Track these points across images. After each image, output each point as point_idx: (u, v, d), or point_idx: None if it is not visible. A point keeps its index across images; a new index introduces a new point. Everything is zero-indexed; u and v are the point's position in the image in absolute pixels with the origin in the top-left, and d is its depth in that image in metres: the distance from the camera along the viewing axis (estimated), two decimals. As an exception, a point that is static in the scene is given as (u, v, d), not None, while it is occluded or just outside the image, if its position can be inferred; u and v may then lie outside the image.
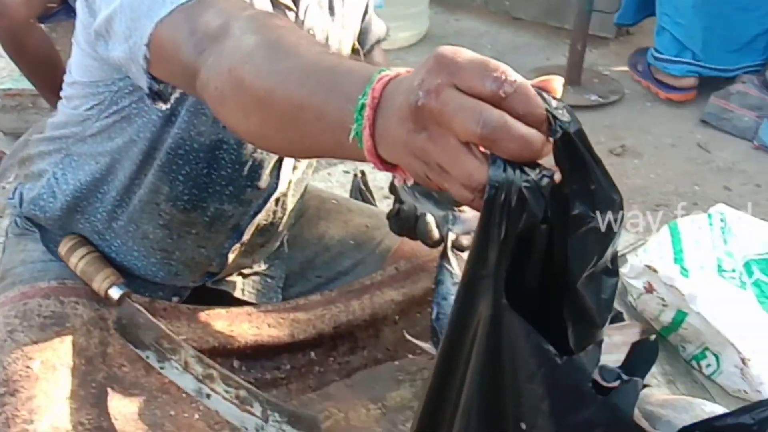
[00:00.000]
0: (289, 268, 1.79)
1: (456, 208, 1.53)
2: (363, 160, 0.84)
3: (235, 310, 1.63)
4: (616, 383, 0.83)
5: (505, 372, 0.83)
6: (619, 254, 2.80)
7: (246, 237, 1.61)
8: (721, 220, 2.58)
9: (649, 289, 2.42)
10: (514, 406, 0.84)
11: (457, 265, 1.51)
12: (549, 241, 0.83)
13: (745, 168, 3.60)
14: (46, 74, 2.65)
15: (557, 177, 0.78)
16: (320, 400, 1.45)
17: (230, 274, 1.71)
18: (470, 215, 1.54)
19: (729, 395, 2.30)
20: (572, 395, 0.84)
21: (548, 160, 0.79)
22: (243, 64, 0.98)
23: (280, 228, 1.67)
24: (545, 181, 0.77)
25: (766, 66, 3.98)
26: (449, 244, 1.51)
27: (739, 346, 2.26)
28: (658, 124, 3.95)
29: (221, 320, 1.61)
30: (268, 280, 1.76)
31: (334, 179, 3.40)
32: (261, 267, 1.75)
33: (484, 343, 0.83)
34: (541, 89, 0.77)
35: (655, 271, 2.40)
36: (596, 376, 1.00)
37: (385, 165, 0.84)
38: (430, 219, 1.50)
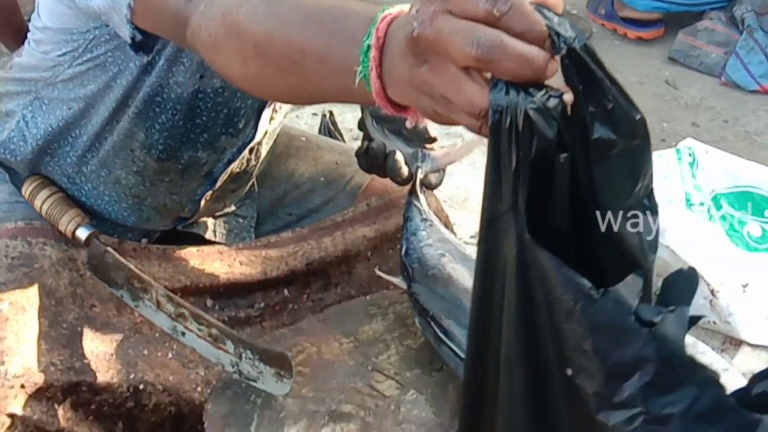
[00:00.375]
0: (260, 207, 1.78)
1: (426, 146, 1.53)
2: (371, 103, 0.82)
3: (206, 249, 1.62)
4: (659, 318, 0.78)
5: (540, 313, 0.78)
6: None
7: (219, 184, 1.59)
8: (690, 155, 2.59)
9: (619, 224, 2.43)
10: (556, 350, 0.78)
11: (425, 202, 1.51)
12: (573, 172, 0.78)
13: (713, 104, 3.61)
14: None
15: (567, 98, 0.74)
16: (292, 335, 1.44)
17: (201, 218, 1.70)
18: (439, 153, 1.53)
19: (698, 326, 2.33)
20: (615, 331, 0.77)
21: (560, 82, 0.75)
22: (238, 7, 0.94)
23: (253, 175, 1.66)
24: (553, 101, 0.72)
25: (732, 2, 3.98)
26: (418, 182, 1.51)
27: (708, 278, 2.27)
28: (625, 62, 3.95)
29: (192, 259, 1.59)
30: (240, 220, 1.75)
31: (302, 121, 3.37)
32: (231, 207, 1.74)
33: (514, 285, 0.78)
34: (540, 5, 0.73)
35: (624, 205, 2.40)
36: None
37: (396, 107, 0.82)
38: (400, 156, 1.49)
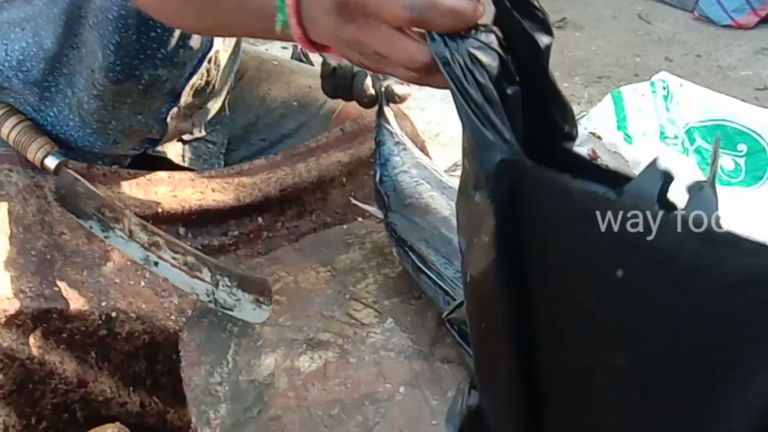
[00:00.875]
0: (232, 132, 1.74)
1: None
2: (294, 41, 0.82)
3: (177, 175, 1.58)
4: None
5: (567, 242, 0.72)
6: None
7: (183, 99, 1.55)
8: (664, 88, 2.58)
9: (594, 157, 2.42)
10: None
11: (397, 124, 1.47)
12: (533, 103, 0.79)
13: (686, 39, 3.61)
14: None
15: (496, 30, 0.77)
16: (268, 264, 1.42)
17: (171, 140, 1.65)
18: None
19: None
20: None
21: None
22: None
23: (216, 85, 1.61)
24: (487, 36, 0.76)
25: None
26: (383, 100, 1.47)
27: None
28: (598, -4, 3.92)
29: (164, 185, 1.56)
30: (210, 145, 1.71)
31: (273, 52, 3.32)
32: (202, 133, 1.70)
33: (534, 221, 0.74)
34: None
35: (599, 138, 2.39)
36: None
37: (319, 47, 0.82)
38: (368, 77, 1.45)
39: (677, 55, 3.48)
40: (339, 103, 1.73)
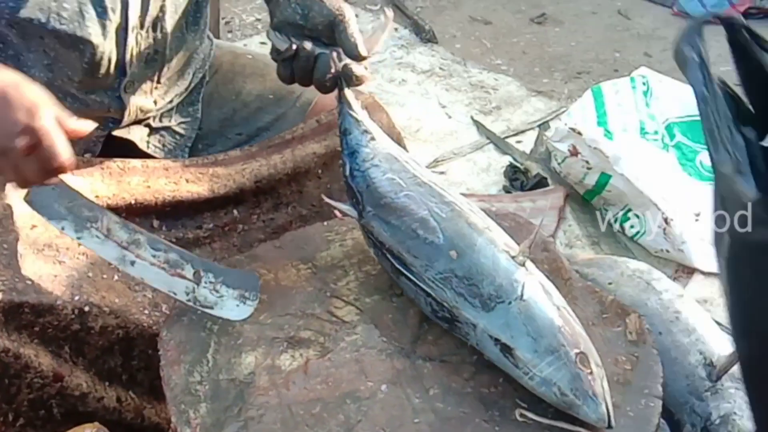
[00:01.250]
0: (208, 127, 1.72)
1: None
2: None
3: (150, 164, 1.56)
4: None
5: None
6: (542, 122, 2.81)
7: (131, 70, 1.52)
8: (644, 84, 2.58)
9: (574, 152, 2.42)
10: None
11: (359, 107, 1.41)
12: None
13: (665, 34, 3.60)
14: None
15: None
16: (248, 261, 1.40)
17: (138, 121, 1.62)
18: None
19: (651, 255, 2.34)
20: None
21: None
22: None
23: (167, 55, 1.58)
24: None
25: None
26: (342, 83, 1.40)
27: (661, 207, 2.28)
28: (578, -9, 3.92)
29: (137, 175, 1.53)
30: (176, 137, 1.68)
31: (251, 48, 3.30)
32: (171, 122, 1.68)
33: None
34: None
35: (579, 133, 2.39)
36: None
37: None
38: (329, 57, 1.40)
39: (657, 50, 3.48)
40: (315, 95, 1.71)
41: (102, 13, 1.42)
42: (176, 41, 1.57)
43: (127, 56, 1.49)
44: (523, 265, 1.21)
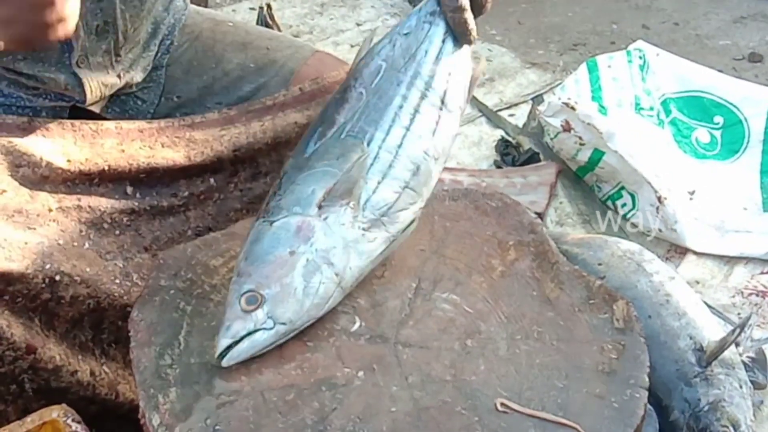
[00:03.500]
0: (186, 96, 1.66)
1: None
2: None
3: (125, 126, 1.50)
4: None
5: None
6: (535, 95, 2.76)
7: (77, 44, 1.45)
8: (640, 58, 2.52)
9: (567, 128, 2.36)
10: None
11: None
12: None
13: (664, 6, 3.55)
14: None
15: None
16: (225, 239, 1.36)
17: (104, 98, 1.57)
18: None
19: (644, 234, 2.30)
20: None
21: None
22: None
23: (125, 30, 1.52)
24: None
25: None
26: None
27: (655, 185, 2.23)
28: (576, -40, 3.86)
29: (111, 137, 1.48)
30: (138, 102, 1.63)
31: (239, 16, 3.24)
32: (132, 87, 1.62)
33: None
34: None
35: (572, 108, 2.33)
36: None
37: None
38: None
39: (655, 22, 3.42)
40: (298, 64, 1.67)
41: None
42: (131, 9, 1.51)
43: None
44: None
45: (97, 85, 1.51)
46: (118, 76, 1.55)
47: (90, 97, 1.52)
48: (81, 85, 1.49)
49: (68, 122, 1.48)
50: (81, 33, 1.44)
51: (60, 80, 1.47)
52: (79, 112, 1.55)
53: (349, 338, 1.18)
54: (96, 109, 1.57)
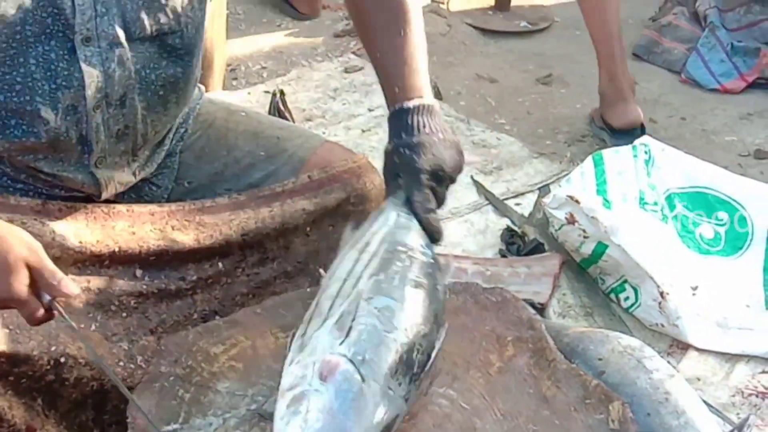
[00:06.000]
0: (197, 182, 1.70)
1: None
2: None
3: (137, 209, 1.54)
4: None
5: None
6: (542, 184, 2.79)
7: (98, 146, 1.50)
8: (645, 152, 2.56)
9: (571, 220, 2.39)
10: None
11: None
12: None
13: (671, 100, 3.59)
14: None
15: None
16: (226, 327, 1.38)
17: (116, 192, 1.61)
18: None
19: (646, 328, 2.30)
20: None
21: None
22: None
23: (145, 133, 1.56)
24: None
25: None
26: None
27: (658, 280, 2.25)
28: (586, 53, 3.88)
29: (122, 220, 1.51)
30: (153, 188, 1.67)
31: (254, 99, 3.29)
32: (147, 174, 1.66)
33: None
34: None
35: (577, 202, 2.36)
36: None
37: None
38: None
39: (662, 116, 3.46)
40: (308, 154, 1.71)
41: (54, 90, 1.41)
42: (153, 115, 1.55)
43: (92, 133, 1.48)
44: None
45: (112, 183, 1.56)
46: (134, 173, 1.59)
47: (105, 194, 1.56)
48: (97, 183, 1.53)
49: (81, 205, 1.52)
50: (102, 137, 1.48)
51: (77, 179, 1.52)
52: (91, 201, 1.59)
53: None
54: (110, 196, 1.61)
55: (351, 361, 1.10)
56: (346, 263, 1.27)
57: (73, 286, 1.26)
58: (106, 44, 1.42)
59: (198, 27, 1.54)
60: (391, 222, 1.33)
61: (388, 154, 1.41)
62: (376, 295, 1.19)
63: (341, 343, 1.12)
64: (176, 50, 1.51)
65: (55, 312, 1.26)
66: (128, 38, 1.43)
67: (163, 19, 1.46)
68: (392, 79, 1.45)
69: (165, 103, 1.56)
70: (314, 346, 1.12)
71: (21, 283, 1.22)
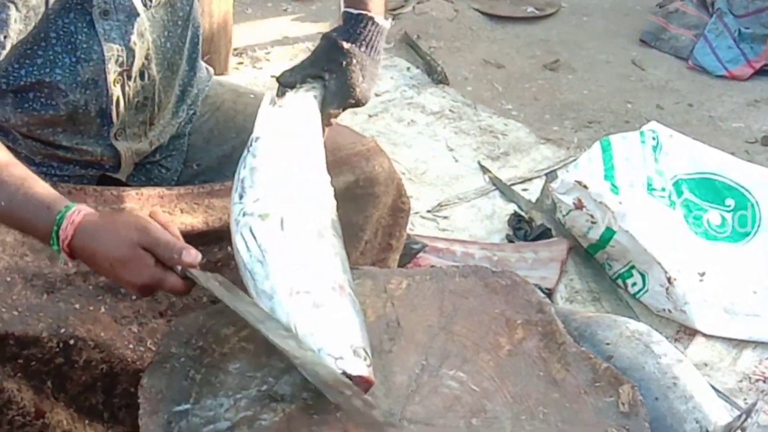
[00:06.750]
0: (206, 164, 1.70)
1: None
2: None
3: (146, 192, 1.54)
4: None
5: None
6: (549, 170, 2.79)
7: (118, 119, 1.51)
8: (653, 138, 2.55)
9: (579, 206, 2.39)
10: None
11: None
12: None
13: (679, 87, 3.59)
14: None
15: None
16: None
17: (132, 164, 1.61)
18: None
19: (653, 314, 2.31)
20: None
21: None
22: None
23: (160, 101, 1.57)
24: None
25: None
26: None
27: (665, 265, 2.25)
28: (593, 39, 3.91)
29: (131, 203, 1.51)
30: (163, 170, 1.67)
31: (260, 83, 3.29)
32: (157, 156, 1.66)
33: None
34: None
35: (585, 187, 2.36)
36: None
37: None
38: None
39: (669, 103, 3.45)
40: None
41: (74, 63, 1.42)
42: (165, 81, 1.57)
43: (112, 105, 1.48)
44: None
45: (131, 154, 1.56)
46: (150, 143, 1.59)
47: (124, 165, 1.56)
48: (117, 155, 1.54)
49: (90, 188, 1.52)
50: (122, 110, 1.48)
51: (97, 152, 1.52)
52: (104, 180, 1.59)
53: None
54: (122, 177, 1.61)
55: None
56: None
57: (193, 254, 1.23)
58: (125, 16, 1.43)
59: None
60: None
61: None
62: None
63: None
64: (183, 12, 1.54)
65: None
66: (144, 6, 1.45)
67: None
68: None
69: (176, 69, 1.58)
70: None
71: (147, 267, 1.21)
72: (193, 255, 1.23)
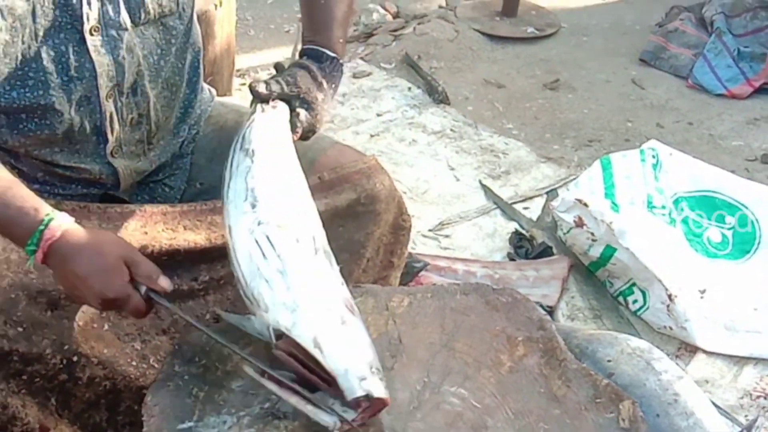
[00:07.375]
0: (209, 183, 1.71)
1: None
2: None
3: (149, 209, 1.55)
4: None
5: None
6: (550, 189, 2.80)
7: (113, 136, 1.52)
8: (653, 156, 2.57)
9: (579, 224, 2.40)
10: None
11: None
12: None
13: (678, 106, 3.60)
14: None
15: None
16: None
17: (133, 182, 1.62)
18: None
19: (654, 331, 2.31)
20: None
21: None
22: None
23: (158, 120, 1.59)
24: None
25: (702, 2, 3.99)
26: None
27: (666, 283, 2.26)
28: (593, 58, 3.93)
29: (135, 220, 1.52)
30: (166, 189, 1.69)
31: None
32: (160, 175, 1.67)
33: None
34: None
35: (585, 205, 2.38)
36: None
37: None
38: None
39: (669, 121, 3.47)
40: (318, 154, 1.71)
41: (67, 82, 1.44)
42: (164, 101, 1.58)
43: (106, 122, 1.50)
44: None
45: (130, 172, 1.57)
46: (150, 162, 1.60)
47: (123, 184, 1.57)
48: (115, 173, 1.55)
49: (94, 206, 1.53)
50: (116, 126, 1.50)
51: (95, 170, 1.53)
52: (107, 198, 1.60)
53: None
54: (124, 196, 1.62)
55: None
56: None
57: (167, 281, 1.30)
58: (114, 32, 1.44)
59: (192, 6, 1.58)
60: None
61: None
62: None
63: None
64: (177, 32, 1.54)
65: (154, 301, 1.30)
66: (133, 23, 1.46)
67: (164, 2, 1.49)
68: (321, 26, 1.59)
69: (176, 90, 1.59)
70: None
71: (123, 280, 1.26)
72: (168, 282, 1.31)
